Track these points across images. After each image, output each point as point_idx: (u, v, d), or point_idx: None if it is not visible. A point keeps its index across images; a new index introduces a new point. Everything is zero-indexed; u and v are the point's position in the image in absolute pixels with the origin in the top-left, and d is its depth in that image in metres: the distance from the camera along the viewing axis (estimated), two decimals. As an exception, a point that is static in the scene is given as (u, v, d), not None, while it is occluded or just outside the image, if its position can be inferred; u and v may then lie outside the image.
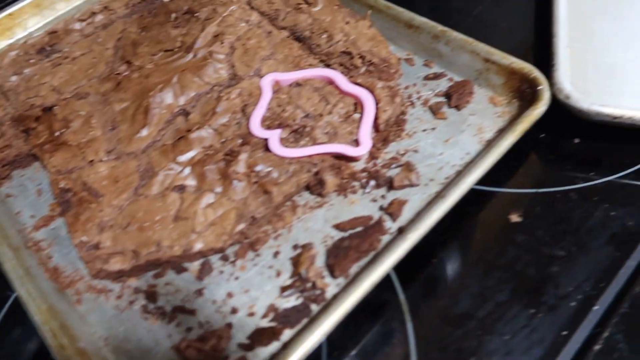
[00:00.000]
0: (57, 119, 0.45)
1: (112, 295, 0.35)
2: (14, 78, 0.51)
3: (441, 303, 0.34)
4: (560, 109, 0.39)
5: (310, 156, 0.39)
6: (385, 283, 0.34)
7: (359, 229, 0.36)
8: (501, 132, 0.40)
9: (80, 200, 0.39)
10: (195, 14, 0.52)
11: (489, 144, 0.39)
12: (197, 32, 0.50)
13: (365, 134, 0.40)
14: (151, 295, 0.35)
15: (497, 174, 0.37)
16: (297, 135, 0.41)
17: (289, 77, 0.45)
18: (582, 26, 0.45)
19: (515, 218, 0.37)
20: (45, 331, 0.31)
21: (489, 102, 0.42)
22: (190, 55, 0.48)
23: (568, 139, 0.41)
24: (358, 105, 0.42)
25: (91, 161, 0.42)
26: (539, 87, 0.39)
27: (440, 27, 0.45)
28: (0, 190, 0.43)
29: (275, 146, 0.40)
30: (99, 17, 0.56)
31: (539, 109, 0.38)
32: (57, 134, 0.44)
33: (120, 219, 0.38)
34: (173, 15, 0.53)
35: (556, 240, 0.35)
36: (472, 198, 0.37)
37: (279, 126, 0.41)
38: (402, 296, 0.34)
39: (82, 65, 0.51)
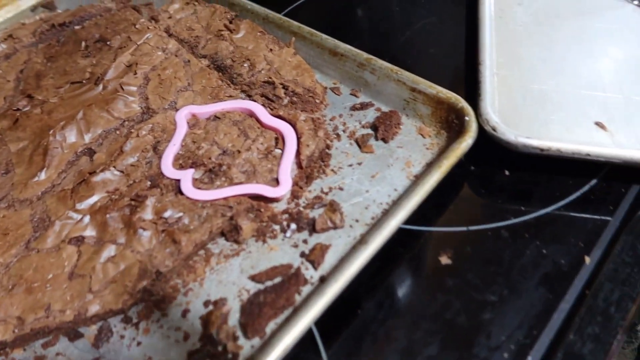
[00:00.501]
0: (-59, 163, 0.40)
1: (-8, 371, 0.31)
2: None
3: (364, 353, 0.31)
4: (487, 141, 0.37)
5: (225, 198, 0.36)
6: (306, 341, 0.31)
7: (277, 279, 0.33)
8: (429, 166, 0.37)
9: (-41, 258, 0.34)
10: (108, 42, 0.48)
11: (417, 180, 0.37)
12: (109, 62, 0.46)
13: (286, 172, 0.37)
14: (38, 369, 0.30)
15: (426, 211, 0.35)
16: (212, 175, 0.37)
17: (206, 109, 0.42)
18: (509, 53, 0.44)
19: (445, 260, 0.34)
20: None
21: (417, 133, 0.40)
22: (100, 88, 0.44)
23: (498, 171, 0.39)
24: (279, 140, 0.40)
25: (-22, 211, 0.37)
26: (465, 118, 0.37)
27: (365, 55, 0.43)
28: None
29: (187, 188, 0.36)
30: (2, 47, 0.51)
31: (466, 141, 0.36)
32: (-61, 180, 0.39)
33: (5, 279, 0.33)
34: (83, 43, 0.49)
35: (487, 283, 0.33)
36: (400, 238, 0.34)
37: (193, 165, 0.38)
38: (324, 355, 0.31)
39: (-23, 99, 0.46)
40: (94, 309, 0.31)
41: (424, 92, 0.40)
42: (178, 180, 0.37)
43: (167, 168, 0.38)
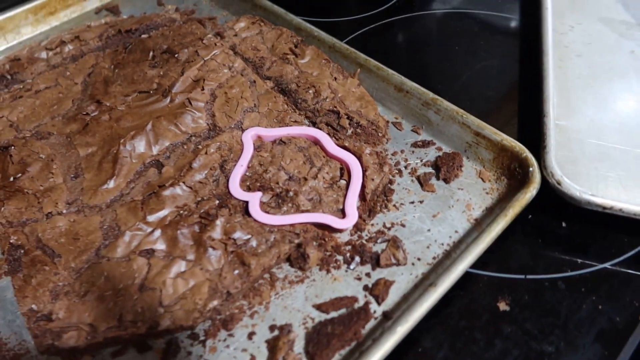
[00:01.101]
0: (13, 162, 0.41)
1: (62, 375, 0.31)
2: (-35, 109, 0.46)
3: None
4: (548, 190, 0.39)
5: (292, 225, 0.37)
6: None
7: (342, 311, 0.34)
8: (490, 211, 0.39)
9: (32, 260, 0.35)
10: (175, 55, 0.49)
11: (478, 224, 0.38)
12: (176, 75, 0.47)
13: (352, 204, 0.38)
14: (107, 378, 0.31)
15: (484, 256, 0.36)
16: (280, 200, 0.38)
17: (272, 133, 0.43)
18: (568, 104, 0.45)
19: (503, 306, 0.35)
20: None
21: (477, 177, 0.41)
22: (167, 100, 0.45)
23: (556, 222, 0.40)
24: (344, 170, 0.41)
25: (49, 213, 0.38)
26: (530, 169, 0.38)
27: (431, 95, 0.44)
28: (-61, 240, 0.38)
29: (256, 211, 0.37)
30: (69, 48, 0.52)
31: (530, 192, 0.37)
32: (11, 179, 0.40)
33: (77, 285, 0.34)
34: (151, 53, 0.50)
35: (545, 334, 0.34)
36: (459, 281, 0.35)
37: (260, 188, 0.39)
38: None
39: (45, 100, 0.47)
40: (165, 323, 0.32)
41: (488, 138, 0.41)
42: (246, 202, 0.38)
43: (236, 189, 0.39)
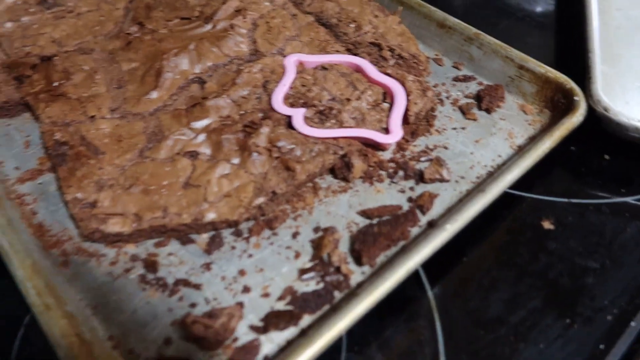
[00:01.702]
0: (57, 70, 0.41)
1: (105, 260, 0.31)
2: (8, 24, 0.46)
3: (471, 305, 0.31)
4: (591, 124, 0.38)
5: (335, 139, 0.37)
6: (411, 278, 0.31)
7: (387, 217, 0.33)
8: (532, 140, 0.38)
9: (77, 154, 0.35)
10: (217, -13, 0.49)
11: (521, 150, 0.38)
12: (218, 4, 0.47)
13: (396, 122, 0.38)
14: (151, 264, 0.31)
15: (527, 180, 0.35)
16: (323, 116, 0.38)
17: (314, 59, 0.43)
18: (612, 51, 0.45)
19: (547, 225, 0.35)
20: (28, 288, 0.27)
21: (519, 109, 0.41)
22: (209, 26, 0.45)
23: (597, 154, 0.40)
24: (387, 95, 0.40)
25: (92, 117, 0.38)
26: (575, 98, 0.38)
27: (474, 30, 0.44)
28: (-18, 138, 0.38)
29: (299, 124, 0.37)
30: (110, -23, 0.52)
31: (576, 117, 0.37)
32: (55, 84, 0.40)
33: (122, 179, 0.34)
34: (193, -16, 0.50)
35: (589, 251, 0.33)
36: (502, 201, 0.35)
37: (304, 105, 0.39)
38: (430, 293, 0.32)
39: (87, 21, 0.47)
40: (210, 216, 0.32)
41: (531, 70, 0.41)
42: (288, 117, 0.38)
43: (279, 104, 0.39)
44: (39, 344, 0.29)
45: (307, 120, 0.38)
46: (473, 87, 0.43)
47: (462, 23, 0.45)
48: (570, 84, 0.39)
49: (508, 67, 0.42)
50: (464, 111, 0.41)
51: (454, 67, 0.45)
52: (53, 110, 0.38)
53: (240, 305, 0.29)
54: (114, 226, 0.31)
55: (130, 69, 0.42)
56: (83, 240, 0.32)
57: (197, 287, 0.30)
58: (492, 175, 0.36)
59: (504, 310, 0.31)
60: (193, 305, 0.29)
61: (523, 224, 0.35)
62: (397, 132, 0.37)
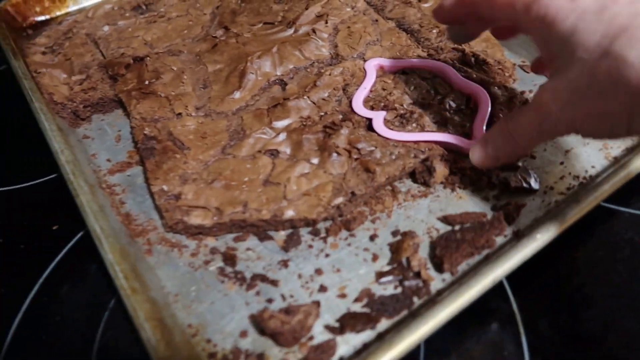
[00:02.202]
0: (148, 69, 0.43)
1: (187, 251, 0.32)
2: (106, 28, 0.49)
3: (562, 321, 0.29)
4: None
5: (417, 142, 0.36)
6: (495, 288, 0.30)
7: (469, 224, 0.32)
8: (630, 152, 0.36)
9: (164, 148, 0.36)
10: (300, -7, 0.50)
11: (617, 161, 0.35)
12: (300, 9, 0.48)
13: (480, 128, 0.36)
14: (230, 258, 0.31)
15: (625, 193, 0.33)
16: (403, 119, 0.37)
17: (395, 63, 0.42)
18: None
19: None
20: (117, 271, 0.28)
21: (615, 120, 0.38)
22: (291, 30, 0.46)
23: None
24: (471, 100, 0.39)
25: (179, 114, 0.39)
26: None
27: (566, 36, 0.42)
28: (78, 131, 0.41)
29: (380, 127, 0.36)
30: (199, -16, 0.55)
31: (684, 129, 0.34)
32: (146, 82, 0.42)
33: (205, 174, 0.35)
34: (276, -9, 0.52)
35: None
36: (595, 215, 0.32)
37: (384, 108, 0.38)
38: (515, 306, 0.30)
39: (177, 25, 0.49)
40: (289, 213, 0.32)
41: (631, 78, 0.38)
42: (368, 120, 0.38)
43: (359, 106, 0.38)
44: (122, 327, 0.30)
45: (388, 123, 0.37)
46: (563, 95, 0.41)
47: (553, 28, 0.42)
48: (676, 92, 0.36)
49: (603, 75, 0.39)
50: (553, 119, 0.39)
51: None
52: (143, 107, 0.40)
53: (317, 304, 0.29)
54: (196, 218, 0.32)
55: (216, 70, 0.43)
56: (167, 230, 0.33)
57: (274, 283, 0.30)
58: (585, 186, 0.34)
59: (598, 330, 0.28)
60: (270, 300, 0.29)
61: (621, 240, 0.32)
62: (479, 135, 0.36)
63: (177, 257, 0.32)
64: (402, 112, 0.38)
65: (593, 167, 0.35)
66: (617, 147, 0.36)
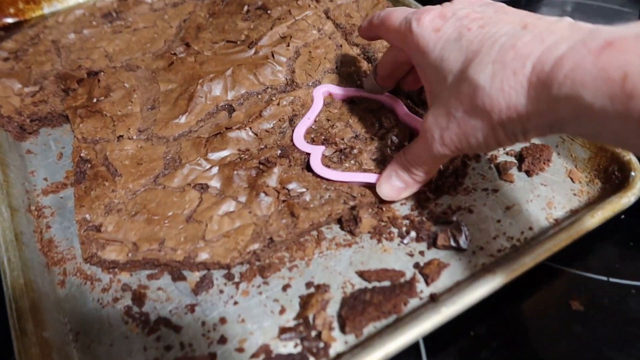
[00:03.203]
0: (100, 86, 0.43)
1: (99, 286, 0.32)
2: (71, 36, 0.49)
3: None
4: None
5: (350, 187, 0.35)
6: (410, 350, 0.29)
7: (386, 283, 0.31)
8: (574, 214, 0.34)
9: (96, 174, 0.36)
10: (268, 11, 0.49)
11: (558, 224, 0.33)
12: (265, 29, 0.47)
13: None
14: (139, 297, 0.31)
15: (562, 249, 0.31)
16: (343, 155, 0.36)
17: (344, 92, 0.41)
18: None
19: (576, 305, 0.31)
20: (13, 309, 0.28)
21: (566, 176, 0.36)
22: (252, 51, 0.45)
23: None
24: (414, 136, 0.38)
25: (120, 136, 0.39)
26: (632, 173, 0.33)
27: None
28: (23, 145, 0.41)
29: (316, 164, 0.35)
30: (172, -6, 0.54)
31: (627, 198, 0.32)
32: (94, 100, 0.41)
33: (130, 204, 0.34)
34: (245, 7, 0.50)
35: (623, 343, 0.29)
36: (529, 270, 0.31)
37: (324, 142, 0.37)
38: (422, 345, 0.29)
39: (141, 37, 0.49)
40: (203, 256, 0.32)
41: (586, 134, 0.36)
42: (307, 155, 0.37)
43: (299, 140, 0.37)
44: None
45: (326, 159, 0.36)
46: (518, 144, 0.39)
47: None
48: (629, 155, 0.34)
49: (560, 126, 0.38)
50: (500, 170, 0.37)
51: (501, 117, 0.41)
52: (86, 127, 0.39)
53: (213, 357, 0.28)
54: (110, 253, 0.32)
55: (167, 90, 0.43)
56: (85, 262, 0.33)
57: (176, 329, 0.30)
58: (518, 250, 0.32)
59: None
60: (168, 348, 0.29)
61: (547, 301, 0.31)
62: None
63: (88, 291, 0.32)
64: (342, 146, 0.37)
65: (530, 228, 0.34)
66: (561, 207, 0.35)
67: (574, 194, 0.35)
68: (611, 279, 0.32)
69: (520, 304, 0.31)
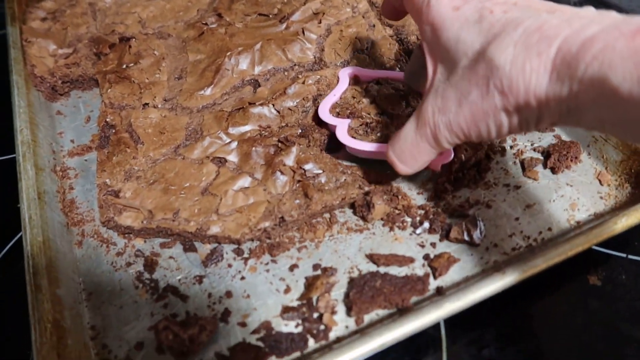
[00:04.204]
0: (130, 52, 0.43)
1: (114, 250, 0.33)
2: (108, 0, 0.50)
3: (485, 354, 0.28)
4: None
5: (374, 155, 0.34)
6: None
7: (395, 270, 0.31)
8: (598, 218, 0.33)
9: (118, 140, 0.37)
10: (303, -14, 0.48)
11: (579, 227, 0.32)
12: (299, 4, 0.46)
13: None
14: (151, 264, 0.32)
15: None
16: (368, 129, 0.36)
17: (370, 74, 0.40)
18: None
19: (594, 280, 0.30)
20: (29, 265, 0.29)
21: (595, 177, 0.35)
22: (282, 26, 0.45)
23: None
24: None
25: (146, 104, 0.40)
26: (664, 180, 0.32)
27: (564, 74, 0.38)
28: (53, 106, 0.42)
29: (342, 134, 0.35)
30: (209, -37, 0.53)
31: (657, 206, 0.31)
32: (124, 66, 0.42)
33: (149, 173, 0.35)
34: (281, -20, 0.50)
35: (639, 319, 0.28)
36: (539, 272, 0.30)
37: (350, 115, 0.36)
38: (443, 332, 0.29)
39: (175, 5, 0.49)
40: (214, 229, 0.32)
41: (620, 135, 0.34)
42: (327, 136, 0.36)
43: (325, 113, 0.37)
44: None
45: (352, 130, 0.36)
46: (547, 140, 0.37)
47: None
48: (664, 161, 0.32)
49: (594, 125, 0.36)
50: (525, 167, 0.36)
51: (532, 111, 0.39)
52: (114, 92, 0.40)
53: (215, 319, 0.29)
54: (126, 219, 0.33)
55: (196, 60, 0.43)
56: (102, 225, 0.34)
57: (183, 298, 0.30)
58: (533, 250, 0.31)
59: None
60: (174, 315, 0.30)
61: (564, 275, 0.30)
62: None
63: (103, 253, 0.33)
64: (368, 120, 0.36)
65: (549, 229, 0.33)
66: (585, 209, 0.33)
67: (601, 197, 0.34)
68: (630, 256, 0.32)
69: (537, 276, 0.30)
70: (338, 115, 0.37)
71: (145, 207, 0.33)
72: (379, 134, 0.35)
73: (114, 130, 0.38)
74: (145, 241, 0.33)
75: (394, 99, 0.38)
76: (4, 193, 0.38)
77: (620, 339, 0.28)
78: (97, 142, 0.38)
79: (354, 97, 0.38)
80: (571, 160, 0.35)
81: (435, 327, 0.30)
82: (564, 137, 0.37)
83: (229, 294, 0.30)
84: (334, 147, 0.36)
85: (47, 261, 0.30)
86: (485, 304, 0.28)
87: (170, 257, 0.32)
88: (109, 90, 0.40)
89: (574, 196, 0.34)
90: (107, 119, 0.38)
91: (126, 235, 0.33)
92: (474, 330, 0.30)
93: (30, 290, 0.28)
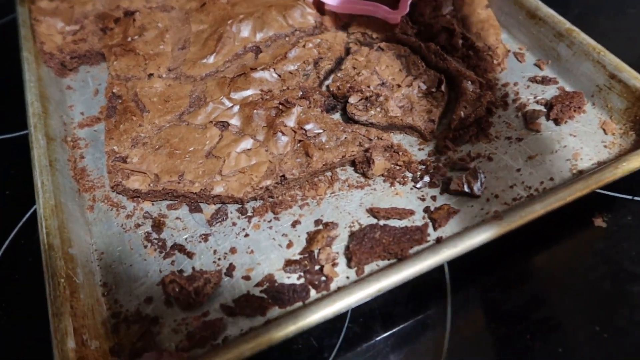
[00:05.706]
0: (135, 25, 0.44)
1: (124, 212, 0.34)
2: (115, -25, 0.50)
3: (490, 296, 0.29)
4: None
5: (368, 130, 0.34)
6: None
7: (395, 222, 0.31)
8: (601, 166, 0.32)
9: (125, 109, 0.38)
10: (303, -48, 0.48)
11: (581, 175, 0.32)
12: (298, -29, 0.46)
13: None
14: (158, 224, 0.33)
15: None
16: (368, 103, 0.36)
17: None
18: None
19: (599, 222, 0.31)
20: (42, 226, 0.30)
21: (599, 127, 0.35)
22: (284, -7, 0.45)
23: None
24: (442, 82, 0.37)
25: (151, 75, 0.40)
26: (668, 124, 0.31)
27: (567, 25, 0.37)
28: (63, 81, 0.43)
29: None
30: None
31: (660, 150, 0.30)
32: (129, 39, 0.43)
33: (155, 139, 0.36)
34: (281, -52, 0.50)
35: None
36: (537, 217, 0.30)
37: (350, 90, 0.37)
38: (447, 276, 0.30)
39: (178, -22, 0.49)
40: (218, 189, 0.33)
41: (625, 82, 0.34)
42: (327, 98, 0.37)
43: None
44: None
45: (352, 107, 0.36)
46: (550, 92, 0.37)
47: (556, 15, 0.38)
48: (669, 106, 0.32)
49: (598, 74, 0.35)
50: (527, 119, 0.35)
51: (535, 65, 0.39)
52: (120, 65, 0.41)
53: (219, 272, 0.30)
54: (134, 183, 0.34)
55: (198, 30, 0.43)
56: (112, 189, 0.35)
57: (189, 255, 0.31)
58: (533, 200, 0.31)
59: (524, 306, 0.28)
60: (181, 271, 0.31)
61: (570, 218, 0.31)
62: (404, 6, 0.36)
63: (114, 216, 0.34)
64: (368, 94, 0.36)
65: (551, 179, 0.32)
66: (588, 158, 0.33)
67: (605, 146, 0.34)
68: (636, 198, 0.32)
69: (541, 218, 0.30)
70: (338, 89, 0.38)
71: (151, 171, 0.34)
72: (378, 109, 0.36)
73: (120, 101, 0.39)
74: (152, 204, 0.34)
75: (395, 67, 0.38)
76: (22, 167, 0.40)
77: (626, 276, 0.28)
78: (104, 113, 0.39)
79: (354, 68, 0.39)
80: (574, 111, 0.35)
81: (441, 273, 0.30)
82: (568, 88, 0.37)
83: (233, 250, 0.31)
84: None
85: (59, 222, 0.31)
86: (489, 251, 0.28)
87: (177, 218, 0.33)
88: (115, 62, 0.41)
89: (577, 146, 0.34)
90: (114, 90, 0.39)
91: (135, 198, 0.35)
92: (479, 276, 0.30)
93: (44, 249, 0.29)
